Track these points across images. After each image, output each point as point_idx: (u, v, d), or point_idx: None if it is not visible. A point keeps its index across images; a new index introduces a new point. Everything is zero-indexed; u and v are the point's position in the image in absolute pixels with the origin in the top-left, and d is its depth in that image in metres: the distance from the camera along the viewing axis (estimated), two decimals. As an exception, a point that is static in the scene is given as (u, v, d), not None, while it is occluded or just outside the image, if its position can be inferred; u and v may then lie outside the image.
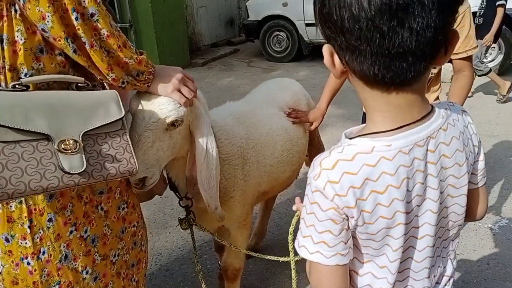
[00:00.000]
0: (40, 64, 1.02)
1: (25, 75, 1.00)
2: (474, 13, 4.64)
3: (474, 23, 4.98)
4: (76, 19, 0.98)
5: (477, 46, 1.70)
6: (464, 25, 1.64)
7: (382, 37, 0.62)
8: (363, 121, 1.93)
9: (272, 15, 6.97)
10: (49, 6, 0.95)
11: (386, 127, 0.72)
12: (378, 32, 0.62)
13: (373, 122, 0.75)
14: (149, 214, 2.74)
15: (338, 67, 0.73)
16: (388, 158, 0.71)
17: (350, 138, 0.76)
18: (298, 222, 0.91)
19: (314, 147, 2.18)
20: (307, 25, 6.67)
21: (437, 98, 1.82)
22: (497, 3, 4.50)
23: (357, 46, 0.65)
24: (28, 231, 1.05)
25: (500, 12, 4.52)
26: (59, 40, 0.98)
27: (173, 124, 1.24)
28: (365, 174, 0.71)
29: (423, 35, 0.62)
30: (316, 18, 0.70)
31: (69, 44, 0.99)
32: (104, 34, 1.03)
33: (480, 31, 4.43)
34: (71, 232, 1.11)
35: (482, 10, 4.66)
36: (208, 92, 5.65)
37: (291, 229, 1.11)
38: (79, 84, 1.07)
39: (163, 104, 1.21)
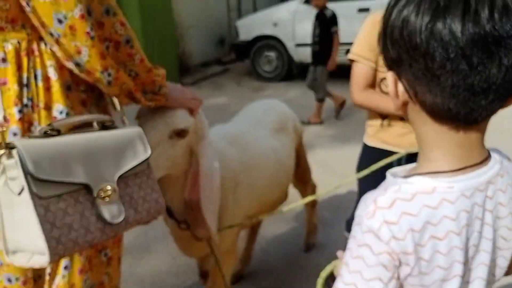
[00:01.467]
0: (69, 102, 0.98)
1: (60, 113, 0.95)
2: (318, 42, 4.92)
3: (312, 50, 4.90)
4: (107, 48, 0.98)
5: None
6: None
7: (469, 70, 0.57)
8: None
9: (263, 35, 7.00)
10: (86, 40, 0.91)
11: (448, 166, 0.66)
12: (466, 64, 0.57)
13: (432, 160, 0.68)
14: (131, 238, 2.66)
15: (402, 98, 0.67)
16: (450, 200, 0.64)
17: (404, 177, 0.68)
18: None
19: (301, 168, 2.16)
20: (297, 45, 6.69)
21: None
22: (332, 30, 4.81)
23: (437, 76, 0.59)
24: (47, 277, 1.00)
25: (337, 36, 4.84)
26: (94, 74, 0.95)
27: (180, 133, 1.23)
28: (425, 216, 0.64)
29: (511, 72, 0.58)
30: (386, 37, 0.65)
31: (104, 77, 0.96)
32: (137, 59, 1.03)
33: (318, 58, 4.89)
34: (85, 281, 1.04)
35: (318, 38, 4.91)
36: (191, 90, 5.62)
37: (323, 273, 0.96)
38: (105, 124, 1.02)
39: (173, 112, 1.23)
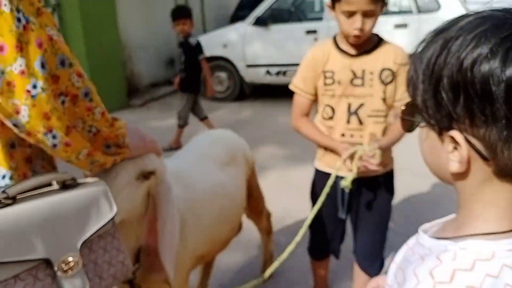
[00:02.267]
0: (13, 163, 0.86)
1: (3, 177, 0.84)
2: (184, 69, 4.75)
3: (180, 78, 4.85)
4: (63, 102, 0.87)
5: None
6: (404, 72, 1.65)
7: None
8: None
9: (213, 56, 6.96)
10: (26, 99, 0.79)
11: (503, 227, 0.60)
12: None
13: (484, 220, 0.61)
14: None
15: (466, 159, 0.58)
16: (510, 266, 0.57)
17: (453, 240, 0.61)
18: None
19: (254, 198, 2.10)
20: (248, 66, 6.72)
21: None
22: (200, 57, 4.80)
23: None
24: None
25: (205, 64, 4.86)
26: (36, 135, 0.83)
27: (146, 176, 1.16)
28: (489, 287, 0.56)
29: None
30: (442, 90, 0.57)
31: (48, 139, 0.84)
32: (98, 113, 0.93)
33: (185, 85, 4.87)
34: None
35: (183, 66, 4.88)
36: (148, 134, 5.45)
37: None
38: (66, 182, 0.90)
39: (143, 156, 1.17)
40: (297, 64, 7.08)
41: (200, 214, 1.59)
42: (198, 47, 4.82)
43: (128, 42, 7.57)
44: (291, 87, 1.82)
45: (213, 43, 7.05)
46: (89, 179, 0.98)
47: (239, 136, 2.09)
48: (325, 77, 1.71)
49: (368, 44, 1.68)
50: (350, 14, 1.56)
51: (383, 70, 1.65)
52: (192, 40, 4.77)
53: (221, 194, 1.69)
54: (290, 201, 3.40)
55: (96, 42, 6.15)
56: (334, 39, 1.74)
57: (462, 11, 5.59)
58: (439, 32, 0.60)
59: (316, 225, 1.95)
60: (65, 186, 0.90)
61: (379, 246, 1.89)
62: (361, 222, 1.88)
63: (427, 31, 0.62)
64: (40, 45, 0.80)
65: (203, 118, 5.10)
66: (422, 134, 0.66)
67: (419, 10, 5.82)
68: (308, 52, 1.79)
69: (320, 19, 6.50)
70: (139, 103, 7.04)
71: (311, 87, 1.76)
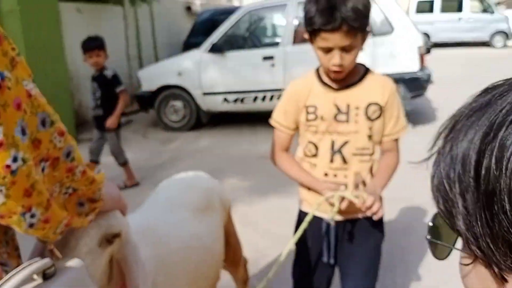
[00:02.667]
0: None
1: None
2: (100, 105, 4.28)
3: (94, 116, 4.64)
4: (43, 169, 0.76)
5: (406, 125, 1.59)
6: (393, 105, 1.53)
7: None
8: None
9: (167, 85, 6.72)
10: (5, 177, 0.65)
11: None
12: None
13: None
14: None
15: None
16: None
17: None
18: None
19: (232, 247, 1.87)
20: (205, 94, 6.52)
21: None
22: (117, 90, 4.41)
23: None
24: None
25: (124, 96, 4.47)
26: (11, 217, 0.70)
27: (110, 240, 1.00)
28: None
29: None
30: (502, 204, 0.35)
31: (25, 220, 0.71)
32: (78, 172, 0.83)
33: (104, 123, 4.47)
34: None
35: (100, 101, 4.50)
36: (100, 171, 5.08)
37: None
38: (46, 272, 0.76)
39: (107, 215, 0.99)
40: (255, 91, 7.04)
41: (174, 274, 1.36)
42: (115, 79, 4.40)
43: (76, 72, 7.19)
44: (271, 122, 1.68)
45: (167, 71, 6.83)
46: (65, 261, 0.86)
47: (212, 178, 1.87)
48: (308, 112, 1.57)
49: (353, 76, 1.54)
50: (327, 50, 1.43)
51: (369, 105, 1.52)
52: (108, 72, 4.37)
53: (197, 248, 1.46)
54: (261, 239, 3.17)
55: (42, 72, 5.75)
56: (317, 71, 1.60)
57: (415, 34, 5.73)
58: (466, 116, 0.40)
59: (300, 271, 1.79)
60: (46, 276, 0.77)
61: None
62: (348, 268, 1.71)
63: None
64: (19, 106, 0.68)
65: (123, 163, 4.62)
66: (464, 269, 0.44)
67: (373, 34, 5.90)
68: (289, 85, 1.66)
69: (276, 44, 6.45)
70: (89, 137, 6.63)
71: (292, 122, 1.63)
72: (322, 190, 1.52)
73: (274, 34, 7.75)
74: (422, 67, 5.70)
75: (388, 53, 5.55)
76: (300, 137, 1.66)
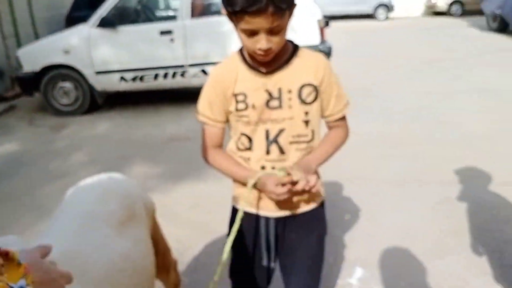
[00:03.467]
0: None
1: None
2: None
3: None
4: None
5: (348, 102, 1.49)
6: (331, 83, 1.41)
7: None
8: None
9: (53, 64, 6.01)
10: None
11: None
12: None
13: None
14: None
15: None
16: None
17: None
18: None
19: (161, 253, 1.68)
20: (98, 73, 5.96)
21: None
22: None
23: None
24: None
25: None
26: None
27: None
28: None
29: None
30: None
31: None
32: None
33: None
34: None
35: None
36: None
37: None
38: None
39: None
40: (154, 68, 6.63)
41: None
42: None
43: None
44: (197, 116, 1.48)
45: (51, 49, 6.10)
46: None
47: (128, 177, 1.62)
48: (237, 101, 1.40)
49: (281, 56, 1.38)
50: (252, 33, 1.26)
51: (302, 86, 1.39)
52: None
53: (127, 270, 1.22)
54: (182, 229, 2.97)
55: None
56: (241, 53, 1.42)
57: (314, 7, 5.78)
58: None
59: (238, 274, 1.66)
60: None
61: None
62: (290, 268, 1.61)
63: None
64: None
65: None
66: None
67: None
68: (212, 72, 1.46)
69: (173, 18, 6.08)
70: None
71: (219, 114, 1.45)
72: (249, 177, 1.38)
73: (168, 7, 7.32)
74: (323, 40, 5.80)
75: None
76: (231, 129, 1.49)
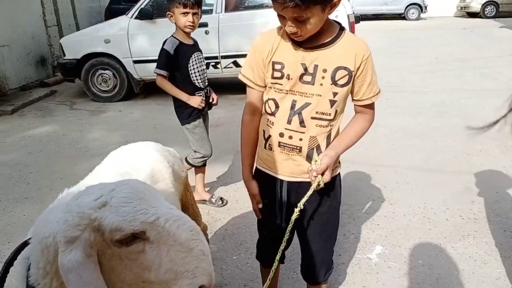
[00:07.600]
0: None
1: None
2: None
3: None
4: None
5: (380, 91, 1.55)
6: (367, 71, 1.47)
7: None
8: None
9: (94, 52, 6.34)
10: None
11: None
12: None
13: None
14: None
15: None
16: None
17: None
18: None
19: (190, 217, 1.86)
20: (135, 62, 6.25)
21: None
22: None
23: None
24: None
25: None
26: None
27: None
28: None
29: None
30: None
31: None
32: None
33: None
34: None
35: None
36: (25, 146, 4.74)
37: None
38: None
39: None
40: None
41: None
42: None
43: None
44: (240, 77, 1.59)
45: (93, 38, 6.43)
46: None
47: (163, 146, 1.83)
48: (274, 69, 1.49)
49: (325, 36, 1.44)
50: (282, 17, 1.36)
51: (338, 68, 1.44)
52: None
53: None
54: (211, 205, 3.22)
55: None
56: None
57: (345, 2, 5.88)
58: None
59: (262, 228, 1.82)
60: None
61: (324, 260, 1.73)
62: (304, 234, 1.68)
63: None
64: None
65: None
66: None
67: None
68: (257, 38, 1.55)
69: (209, 11, 6.30)
70: (9, 110, 6.12)
71: (260, 78, 1.54)
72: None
73: (205, 1, 7.56)
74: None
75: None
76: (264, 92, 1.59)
